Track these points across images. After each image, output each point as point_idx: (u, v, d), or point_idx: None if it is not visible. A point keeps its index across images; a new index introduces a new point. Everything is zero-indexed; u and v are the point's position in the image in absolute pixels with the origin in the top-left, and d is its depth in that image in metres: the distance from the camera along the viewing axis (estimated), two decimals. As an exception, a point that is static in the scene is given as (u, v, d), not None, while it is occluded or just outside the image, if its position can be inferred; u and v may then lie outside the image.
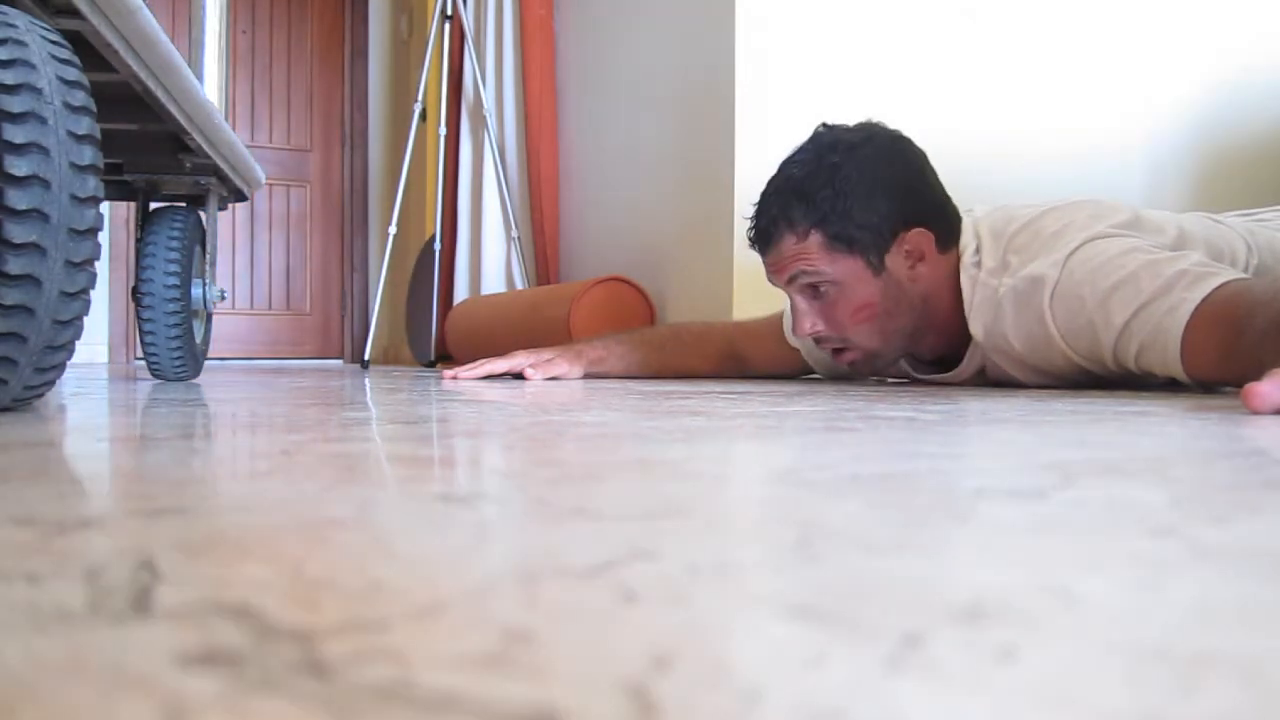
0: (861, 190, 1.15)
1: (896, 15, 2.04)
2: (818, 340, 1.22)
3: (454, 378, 1.44)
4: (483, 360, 1.45)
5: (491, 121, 2.85)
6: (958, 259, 1.16)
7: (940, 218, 1.18)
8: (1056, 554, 0.25)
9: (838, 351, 1.21)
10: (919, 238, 1.16)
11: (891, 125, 1.22)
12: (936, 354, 1.24)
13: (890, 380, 1.41)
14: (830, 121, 1.22)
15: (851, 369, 1.25)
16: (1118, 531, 0.28)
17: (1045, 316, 1.06)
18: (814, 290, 1.18)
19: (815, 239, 1.15)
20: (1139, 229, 1.09)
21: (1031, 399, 0.93)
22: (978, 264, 1.14)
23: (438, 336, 2.92)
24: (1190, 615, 0.20)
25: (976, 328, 1.13)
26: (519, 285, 2.79)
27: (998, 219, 1.16)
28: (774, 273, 1.21)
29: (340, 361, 4.09)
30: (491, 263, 2.83)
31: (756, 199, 1.23)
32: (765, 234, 1.20)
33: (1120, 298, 1.00)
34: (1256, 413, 0.70)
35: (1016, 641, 0.18)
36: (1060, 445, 0.52)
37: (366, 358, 2.94)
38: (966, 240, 1.16)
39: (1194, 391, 1.03)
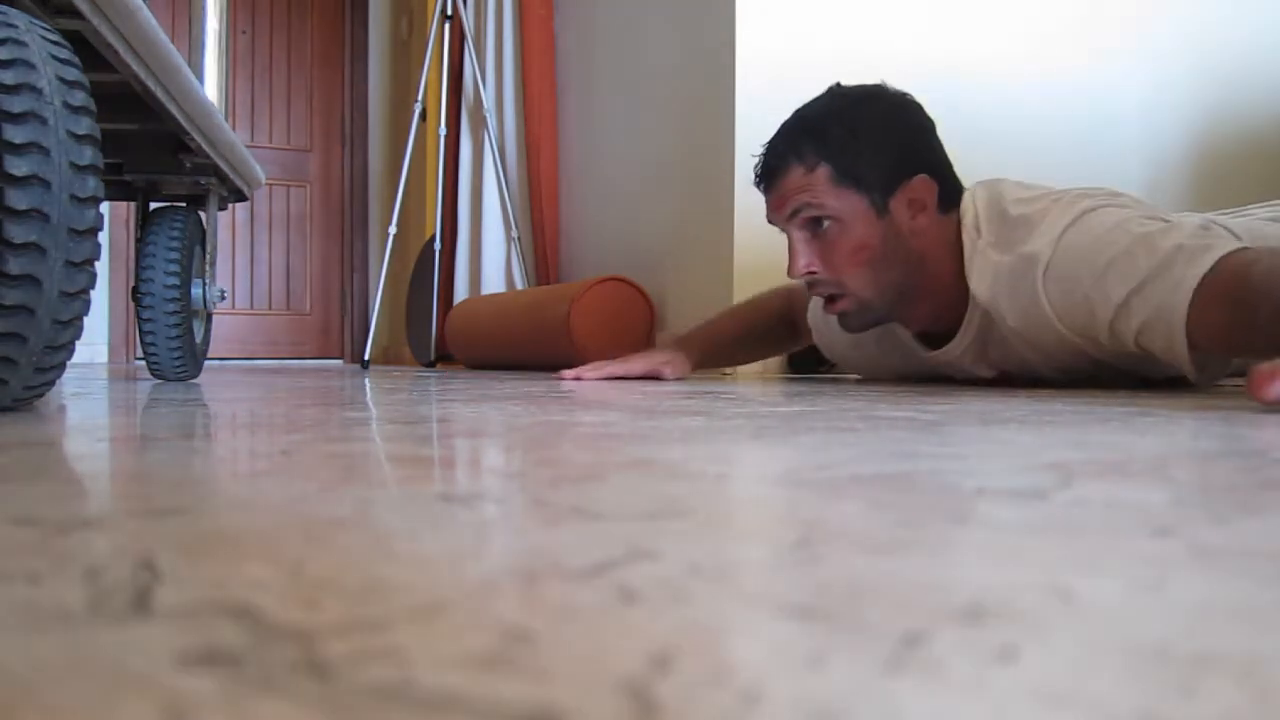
0: (873, 131, 1.16)
1: (897, 16, 2.04)
2: (811, 284, 1.21)
3: (576, 379, 1.42)
4: (603, 363, 1.45)
5: (491, 121, 2.85)
6: (958, 224, 1.16)
7: (944, 175, 1.18)
8: (1056, 554, 0.25)
9: (830, 301, 1.20)
10: (924, 186, 1.15)
11: None
12: (927, 325, 1.23)
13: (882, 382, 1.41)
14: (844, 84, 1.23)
15: (842, 322, 1.23)
16: (1118, 531, 0.28)
17: (1039, 295, 1.06)
18: (814, 228, 1.17)
19: (823, 172, 1.15)
20: (1139, 206, 1.09)
21: (1032, 399, 0.93)
22: (977, 229, 1.14)
23: (438, 336, 2.92)
24: (1190, 615, 0.20)
25: (977, 286, 1.12)
26: (519, 285, 2.79)
27: (991, 191, 1.16)
28: (775, 209, 1.20)
29: (340, 361, 4.09)
30: (491, 263, 2.83)
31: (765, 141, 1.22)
32: (772, 168, 1.19)
33: (1116, 274, 0.99)
34: (1265, 402, 0.70)
35: (1016, 641, 0.18)
36: (1060, 445, 0.52)
37: (366, 358, 2.94)
38: (965, 206, 1.17)
39: (1195, 391, 1.03)
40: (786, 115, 1.23)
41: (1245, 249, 0.96)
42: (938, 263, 1.16)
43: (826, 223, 1.15)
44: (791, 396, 0.99)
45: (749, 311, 1.53)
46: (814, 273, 1.17)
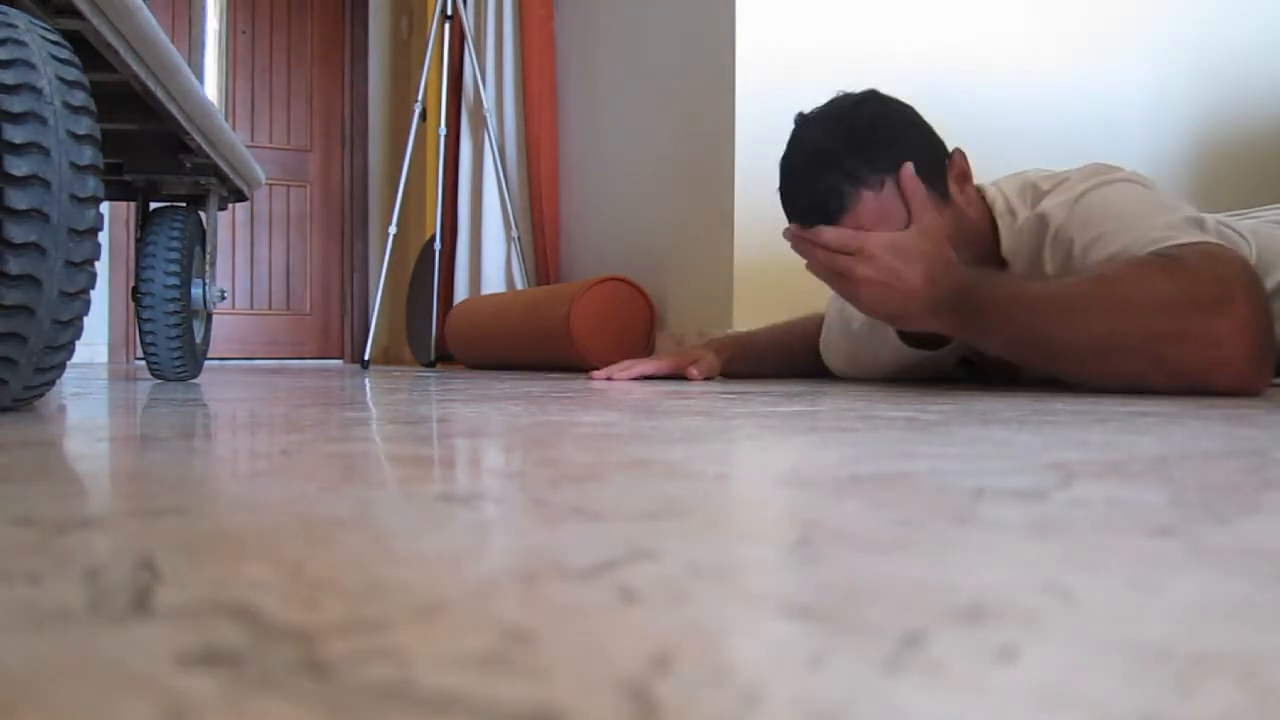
0: (904, 124, 1.13)
1: (897, 16, 2.04)
2: None
3: (607, 378, 1.40)
4: (632, 361, 1.44)
5: (491, 121, 2.85)
6: (989, 209, 1.15)
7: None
8: (1056, 554, 0.25)
9: None
10: (960, 158, 1.14)
11: None
12: None
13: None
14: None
15: None
16: (1118, 531, 0.28)
17: (1044, 257, 1.06)
18: None
19: (891, 187, 1.07)
20: (1158, 190, 1.09)
21: (1031, 399, 0.93)
22: (1012, 213, 1.13)
23: (438, 336, 2.93)
24: (1190, 615, 0.20)
25: (1016, 267, 1.12)
26: (519, 285, 2.79)
27: (1018, 180, 1.16)
28: None
29: (340, 361, 4.09)
30: (491, 263, 2.84)
31: (785, 176, 1.14)
32: (829, 204, 1.08)
33: (1098, 251, 0.99)
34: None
35: (1016, 641, 0.18)
36: (1060, 445, 0.52)
37: (366, 358, 2.94)
38: (994, 197, 1.15)
39: (1194, 392, 1.03)
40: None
41: (1224, 248, 0.96)
42: (984, 239, 1.14)
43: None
44: (791, 396, 0.99)
45: (784, 330, 1.54)
46: None
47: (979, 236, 1.13)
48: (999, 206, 1.15)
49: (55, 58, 0.69)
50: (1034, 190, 1.12)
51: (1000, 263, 1.14)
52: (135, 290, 1.44)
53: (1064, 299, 0.95)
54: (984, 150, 1.40)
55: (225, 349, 3.89)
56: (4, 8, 0.69)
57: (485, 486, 0.41)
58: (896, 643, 0.17)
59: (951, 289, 1.01)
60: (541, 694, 0.15)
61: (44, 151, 0.66)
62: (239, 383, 1.50)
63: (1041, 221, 1.07)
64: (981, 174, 1.23)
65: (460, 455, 0.52)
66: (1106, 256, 0.98)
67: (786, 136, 1.22)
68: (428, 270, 3.04)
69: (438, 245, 3.01)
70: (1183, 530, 0.28)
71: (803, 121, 1.15)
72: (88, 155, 0.69)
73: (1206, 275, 0.91)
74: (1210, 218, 1.08)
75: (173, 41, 1.10)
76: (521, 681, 0.16)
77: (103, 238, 0.77)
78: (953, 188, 1.13)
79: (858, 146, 1.09)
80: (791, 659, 0.17)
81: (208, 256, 1.53)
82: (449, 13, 2.95)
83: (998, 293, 1.00)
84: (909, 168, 1.07)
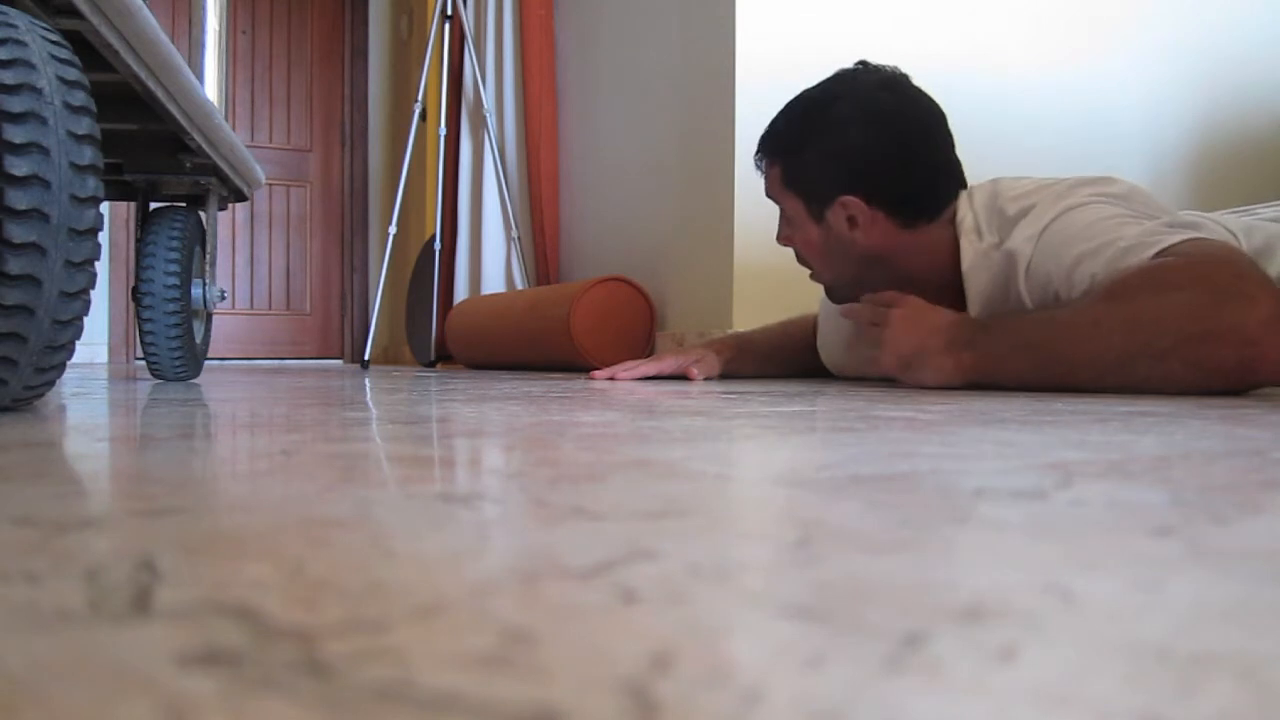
0: (823, 147, 1.22)
1: (897, 16, 2.04)
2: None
3: (610, 378, 1.41)
4: (634, 362, 1.45)
5: (491, 121, 2.86)
6: (952, 230, 1.18)
7: (903, 198, 1.20)
8: (1056, 554, 0.25)
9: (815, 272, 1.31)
10: (857, 207, 1.20)
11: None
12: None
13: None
14: (870, 63, 1.25)
15: (828, 293, 1.35)
16: (1118, 531, 0.28)
17: (1021, 293, 1.08)
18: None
19: (775, 173, 1.28)
20: (1131, 201, 1.10)
21: (1031, 399, 0.93)
22: (978, 233, 1.15)
23: (438, 336, 2.93)
24: (1190, 615, 0.20)
25: (973, 299, 1.15)
26: (519, 285, 2.79)
27: (988, 192, 1.18)
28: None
29: (340, 361, 4.09)
30: (491, 263, 2.84)
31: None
32: (757, 155, 1.32)
33: (1084, 270, 1.01)
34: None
35: (1016, 641, 0.18)
36: (1060, 445, 0.52)
37: (366, 358, 2.94)
38: (963, 214, 1.18)
39: (1194, 392, 1.03)
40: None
41: (1206, 239, 0.97)
42: (908, 259, 1.20)
43: (782, 215, 1.28)
44: (791, 396, 0.99)
45: (783, 330, 1.55)
46: (789, 245, 1.30)
47: (871, 256, 1.22)
48: (966, 224, 1.17)
49: (55, 58, 0.69)
50: (1001, 217, 1.14)
51: (955, 280, 1.17)
52: (135, 290, 1.44)
53: (1079, 322, 0.98)
54: (984, 150, 1.40)
55: (225, 349, 3.89)
56: (4, 8, 0.69)
57: (485, 486, 0.41)
58: (896, 643, 0.17)
59: (950, 341, 1.07)
60: (541, 694, 0.15)
61: (44, 151, 0.66)
62: (239, 383, 1.50)
63: (1010, 259, 1.09)
64: (978, 174, 1.23)
65: (460, 455, 0.52)
66: (1092, 274, 1.00)
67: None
68: (428, 270, 3.04)
69: (438, 245, 3.01)
70: (1183, 530, 0.28)
71: (834, 74, 1.26)
72: (88, 155, 0.69)
73: (1219, 271, 0.91)
74: (1185, 217, 1.09)
75: (173, 41, 1.10)
76: (521, 681, 0.16)
77: (103, 238, 0.77)
78: (834, 218, 1.22)
79: (778, 130, 1.27)
80: (791, 659, 0.17)
81: (208, 256, 1.53)
82: (449, 13, 2.95)
83: (1006, 332, 1.04)
84: (776, 173, 1.27)
